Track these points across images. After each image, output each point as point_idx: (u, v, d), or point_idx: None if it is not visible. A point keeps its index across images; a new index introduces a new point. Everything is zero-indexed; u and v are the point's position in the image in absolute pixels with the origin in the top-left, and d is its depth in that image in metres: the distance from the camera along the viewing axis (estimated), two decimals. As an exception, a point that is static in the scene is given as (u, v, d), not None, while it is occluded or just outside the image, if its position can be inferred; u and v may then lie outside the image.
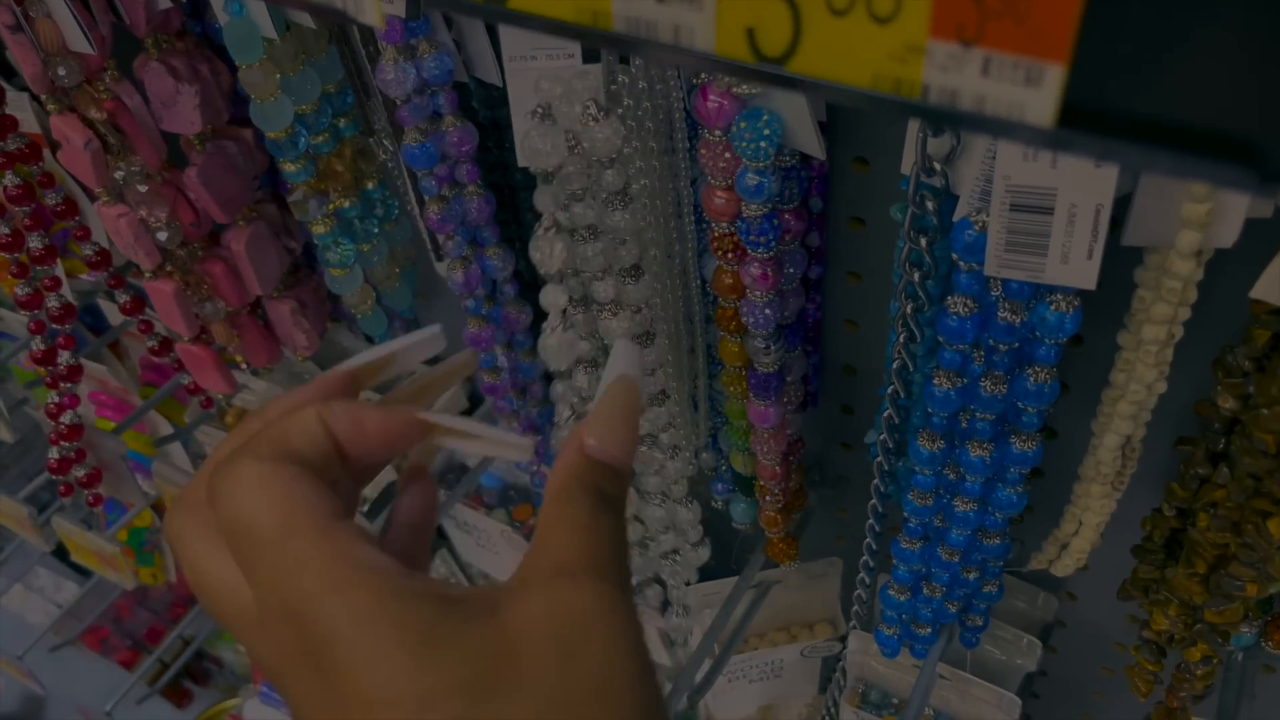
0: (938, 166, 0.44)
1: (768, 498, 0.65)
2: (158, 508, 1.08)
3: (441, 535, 0.98)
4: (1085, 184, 0.38)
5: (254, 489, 0.30)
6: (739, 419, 0.61)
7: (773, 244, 0.48)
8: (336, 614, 0.27)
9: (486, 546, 0.91)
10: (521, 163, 0.46)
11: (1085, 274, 0.40)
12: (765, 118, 0.44)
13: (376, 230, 0.65)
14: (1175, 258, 0.41)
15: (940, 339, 0.47)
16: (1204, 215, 0.39)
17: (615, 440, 0.36)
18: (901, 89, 0.25)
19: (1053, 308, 0.43)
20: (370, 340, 0.89)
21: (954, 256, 0.44)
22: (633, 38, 0.29)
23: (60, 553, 1.30)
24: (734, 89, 0.44)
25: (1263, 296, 0.39)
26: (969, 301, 0.45)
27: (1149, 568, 0.56)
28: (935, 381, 0.48)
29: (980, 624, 0.67)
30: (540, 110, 0.43)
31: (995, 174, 0.39)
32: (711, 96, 0.45)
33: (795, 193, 0.52)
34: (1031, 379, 0.46)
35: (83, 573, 1.55)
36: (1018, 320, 0.44)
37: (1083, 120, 0.23)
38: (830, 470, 0.78)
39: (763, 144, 0.44)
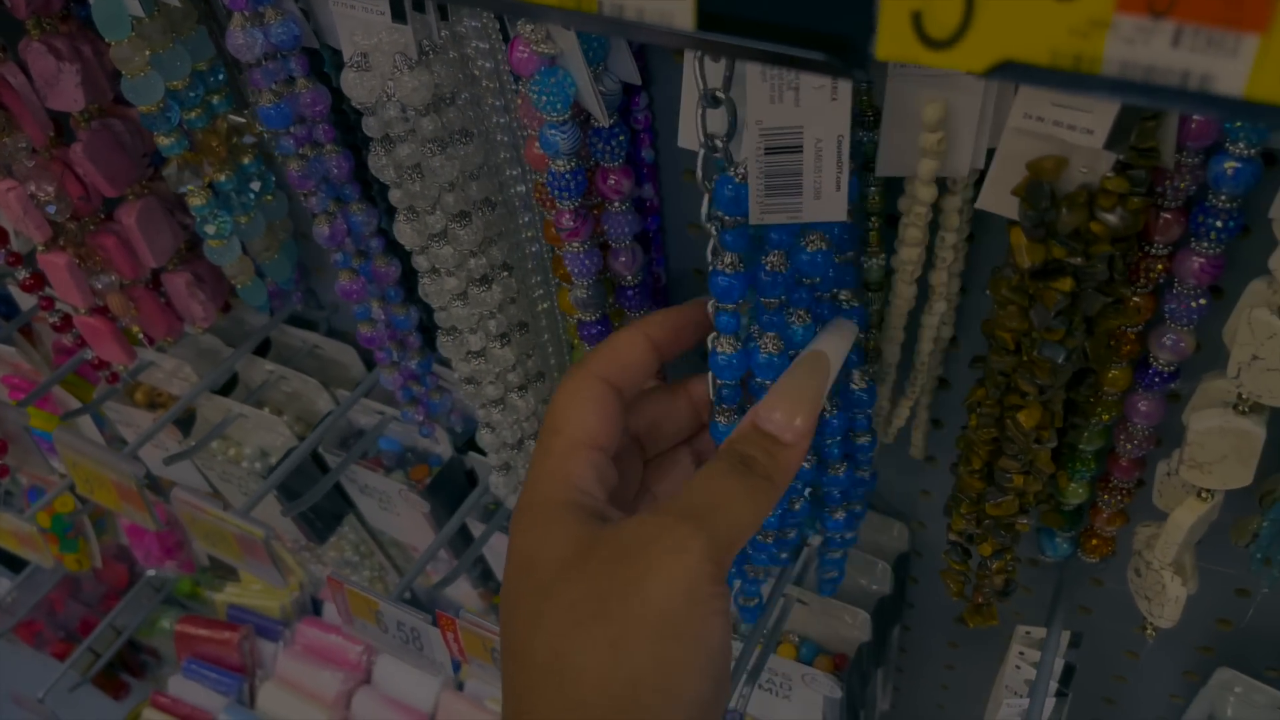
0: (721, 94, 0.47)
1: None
2: (77, 493, 1.11)
3: (349, 502, 1.02)
4: (825, 117, 0.42)
5: (567, 395, 0.45)
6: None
7: (575, 197, 0.49)
8: (524, 521, 0.42)
9: (389, 509, 0.96)
10: (346, 92, 0.50)
11: (836, 206, 0.43)
12: (559, 75, 0.46)
13: (252, 202, 0.69)
14: (919, 185, 0.46)
15: (715, 302, 0.46)
16: (936, 144, 0.45)
17: (782, 411, 0.43)
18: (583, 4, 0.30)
19: (809, 248, 0.45)
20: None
21: (718, 214, 0.44)
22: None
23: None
24: (535, 46, 0.47)
25: (985, 207, 0.45)
26: (735, 259, 0.45)
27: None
28: (717, 349, 0.47)
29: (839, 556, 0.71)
30: (357, 60, 0.47)
31: (749, 119, 0.42)
32: (519, 48, 0.46)
33: (619, 149, 0.53)
34: (797, 321, 0.47)
35: (15, 568, 1.56)
36: (784, 269, 0.45)
37: (718, 25, 0.29)
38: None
39: (556, 99, 0.46)
